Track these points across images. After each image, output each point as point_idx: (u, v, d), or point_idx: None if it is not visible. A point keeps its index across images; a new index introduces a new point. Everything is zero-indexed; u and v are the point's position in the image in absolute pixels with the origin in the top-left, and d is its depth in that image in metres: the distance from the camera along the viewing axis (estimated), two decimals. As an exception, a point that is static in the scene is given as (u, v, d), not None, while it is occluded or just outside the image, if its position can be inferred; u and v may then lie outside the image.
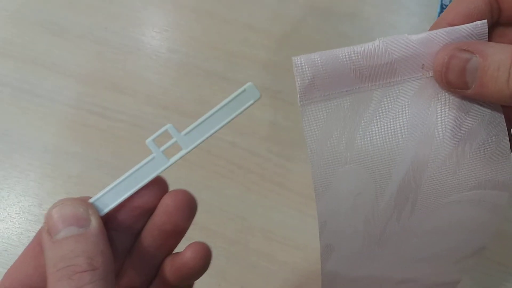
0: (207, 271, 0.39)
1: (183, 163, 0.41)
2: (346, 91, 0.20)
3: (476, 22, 0.20)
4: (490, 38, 0.21)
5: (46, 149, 0.41)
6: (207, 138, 0.20)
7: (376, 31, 0.46)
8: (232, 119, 0.20)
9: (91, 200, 0.20)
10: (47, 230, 0.18)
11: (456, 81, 0.19)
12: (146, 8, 0.47)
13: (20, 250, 0.38)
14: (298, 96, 0.20)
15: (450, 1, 0.47)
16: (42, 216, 0.39)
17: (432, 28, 0.21)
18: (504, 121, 0.21)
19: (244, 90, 0.20)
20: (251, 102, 0.20)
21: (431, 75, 0.20)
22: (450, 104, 0.20)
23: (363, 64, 0.20)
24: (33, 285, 0.20)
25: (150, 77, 0.44)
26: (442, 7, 0.46)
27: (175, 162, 0.20)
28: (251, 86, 0.20)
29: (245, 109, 0.20)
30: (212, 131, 0.20)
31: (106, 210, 0.20)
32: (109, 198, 0.20)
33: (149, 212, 0.21)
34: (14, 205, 0.40)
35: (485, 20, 0.20)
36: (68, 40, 0.46)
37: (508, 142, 0.21)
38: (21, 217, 0.39)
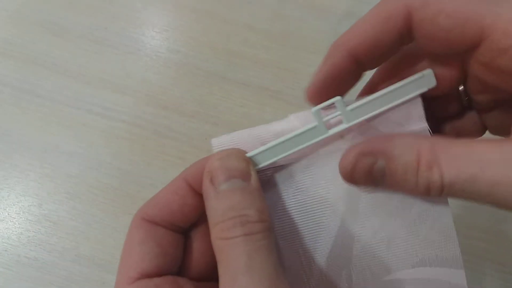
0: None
1: (182, 162, 0.41)
2: (263, 167, 0.20)
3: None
4: (399, 64, 0.21)
5: (46, 149, 0.41)
6: (371, 116, 0.19)
7: (376, 31, 0.46)
8: (401, 103, 0.19)
9: (248, 155, 0.20)
10: (210, 179, 0.19)
11: (364, 183, 0.19)
12: (146, 8, 0.47)
13: (20, 250, 0.38)
14: None
15: (450, 1, 0.46)
16: (42, 216, 0.39)
17: (328, 52, 0.20)
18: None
19: (422, 76, 0.19)
20: (425, 89, 0.19)
21: (352, 143, 0.20)
22: None
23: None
24: (175, 222, 0.20)
25: (150, 77, 0.44)
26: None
27: (334, 133, 0.19)
28: (430, 73, 0.19)
29: (417, 95, 0.19)
30: (378, 110, 0.19)
31: (259, 167, 0.20)
32: (263, 157, 0.20)
33: None
34: (14, 205, 0.40)
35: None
36: (68, 40, 0.46)
37: (450, 214, 0.19)
38: (21, 217, 0.39)
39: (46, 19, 0.46)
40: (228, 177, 0.18)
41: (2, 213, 0.39)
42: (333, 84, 0.20)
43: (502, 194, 0.16)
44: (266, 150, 0.20)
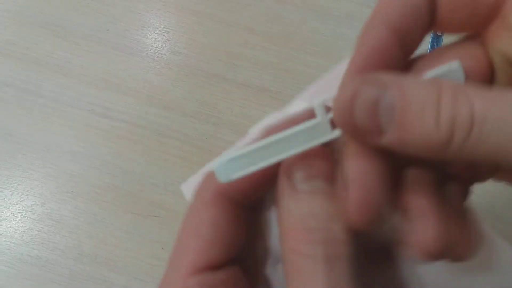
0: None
1: (183, 162, 0.41)
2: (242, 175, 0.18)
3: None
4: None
5: (49, 149, 0.42)
6: None
7: (375, 33, 0.46)
8: None
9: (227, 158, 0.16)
10: (288, 174, 0.16)
11: (366, 123, 0.13)
12: (148, 11, 0.48)
13: (23, 249, 0.38)
14: None
15: (448, 3, 0.47)
16: (44, 215, 0.40)
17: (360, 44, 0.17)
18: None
19: (448, 69, 0.15)
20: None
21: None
22: None
23: None
24: (251, 195, 0.18)
25: (151, 78, 0.45)
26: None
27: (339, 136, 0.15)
28: (457, 65, 0.14)
29: None
30: None
31: (238, 174, 0.16)
32: (244, 162, 0.15)
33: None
34: (17, 204, 0.40)
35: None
36: (71, 42, 0.46)
37: None
38: (24, 216, 0.40)
39: (49, 21, 0.47)
40: (309, 176, 0.15)
41: (5, 212, 0.40)
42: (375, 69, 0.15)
43: None
44: (250, 152, 0.15)
